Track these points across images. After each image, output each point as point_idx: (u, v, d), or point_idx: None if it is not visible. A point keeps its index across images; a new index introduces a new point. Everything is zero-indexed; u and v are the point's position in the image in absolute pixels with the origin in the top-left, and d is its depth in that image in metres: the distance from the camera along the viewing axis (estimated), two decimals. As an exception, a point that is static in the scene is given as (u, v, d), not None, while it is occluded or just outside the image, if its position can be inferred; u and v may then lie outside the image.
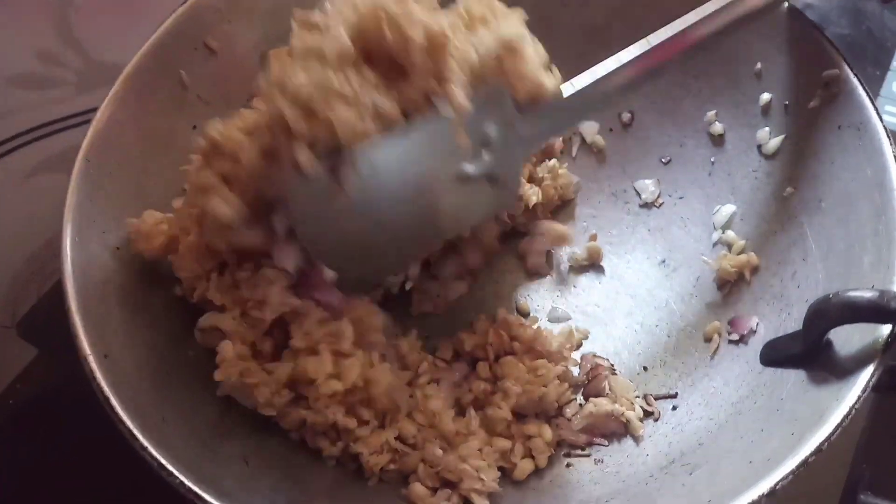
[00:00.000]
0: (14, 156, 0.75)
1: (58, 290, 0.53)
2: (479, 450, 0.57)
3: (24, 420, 0.71)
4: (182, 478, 0.47)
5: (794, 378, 0.54)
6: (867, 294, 0.48)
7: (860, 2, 0.92)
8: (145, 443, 0.47)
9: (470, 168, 0.56)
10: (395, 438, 0.57)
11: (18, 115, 0.74)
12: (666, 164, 0.73)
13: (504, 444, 0.59)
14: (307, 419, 0.55)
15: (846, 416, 0.47)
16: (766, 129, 0.67)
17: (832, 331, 0.51)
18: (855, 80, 0.60)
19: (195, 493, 0.46)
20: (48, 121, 0.75)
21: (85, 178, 0.58)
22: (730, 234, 0.67)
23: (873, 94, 0.60)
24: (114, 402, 0.49)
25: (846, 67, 0.61)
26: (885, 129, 0.57)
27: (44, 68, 0.73)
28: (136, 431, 0.48)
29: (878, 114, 0.58)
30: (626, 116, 0.75)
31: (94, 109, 0.60)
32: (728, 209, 0.68)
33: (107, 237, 0.58)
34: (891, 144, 0.56)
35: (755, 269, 0.64)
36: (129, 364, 0.54)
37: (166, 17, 0.65)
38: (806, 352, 0.53)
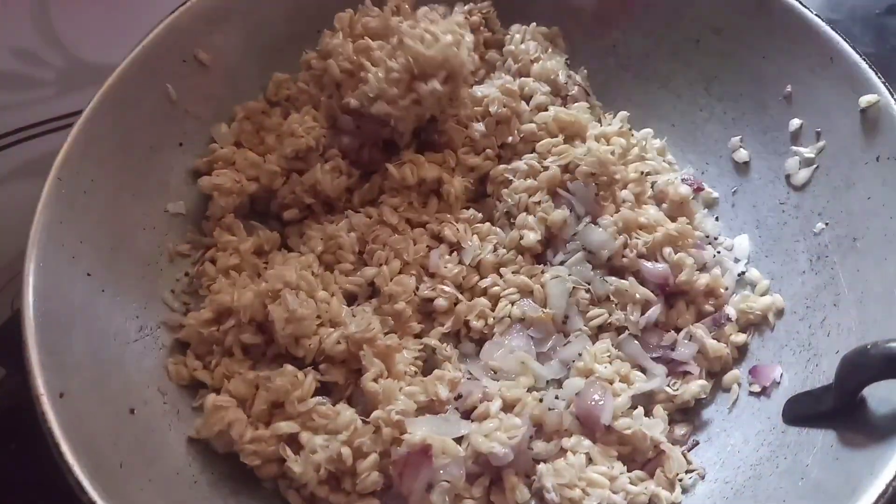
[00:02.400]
0: (-12, 160, 0.70)
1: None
2: None
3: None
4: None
5: (822, 440, 0.48)
6: (912, 346, 0.42)
7: (884, 17, 0.87)
8: (94, 496, 0.43)
9: None
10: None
11: (-5, 118, 0.70)
12: (685, 192, 0.68)
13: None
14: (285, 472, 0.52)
15: (882, 494, 0.41)
16: (796, 157, 0.61)
17: (868, 387, 0.46)
18: (896, 106, 0.55)
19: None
20: (27, 124, 0.71)
21: (56, 197, 0.53)
22: (752, 271, 0.62)
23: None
24: (64, 447, 0.45)
25: (886, 92, 0.55)
26: (930, 161, 0.52)
27: (22, 67, 0.68)
28: (84, 483, 0.43)
29: (922, 144, 0.52)
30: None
31: (77, 113, 0.56)
32: (742, 241, 0.63)
33: (77, 262, 0.54)
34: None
35: (780, 313, 0.59)
36: (90, 402, 0.49)
37: (154, 16, 0.60)
38: (837, 410, 0.48)
